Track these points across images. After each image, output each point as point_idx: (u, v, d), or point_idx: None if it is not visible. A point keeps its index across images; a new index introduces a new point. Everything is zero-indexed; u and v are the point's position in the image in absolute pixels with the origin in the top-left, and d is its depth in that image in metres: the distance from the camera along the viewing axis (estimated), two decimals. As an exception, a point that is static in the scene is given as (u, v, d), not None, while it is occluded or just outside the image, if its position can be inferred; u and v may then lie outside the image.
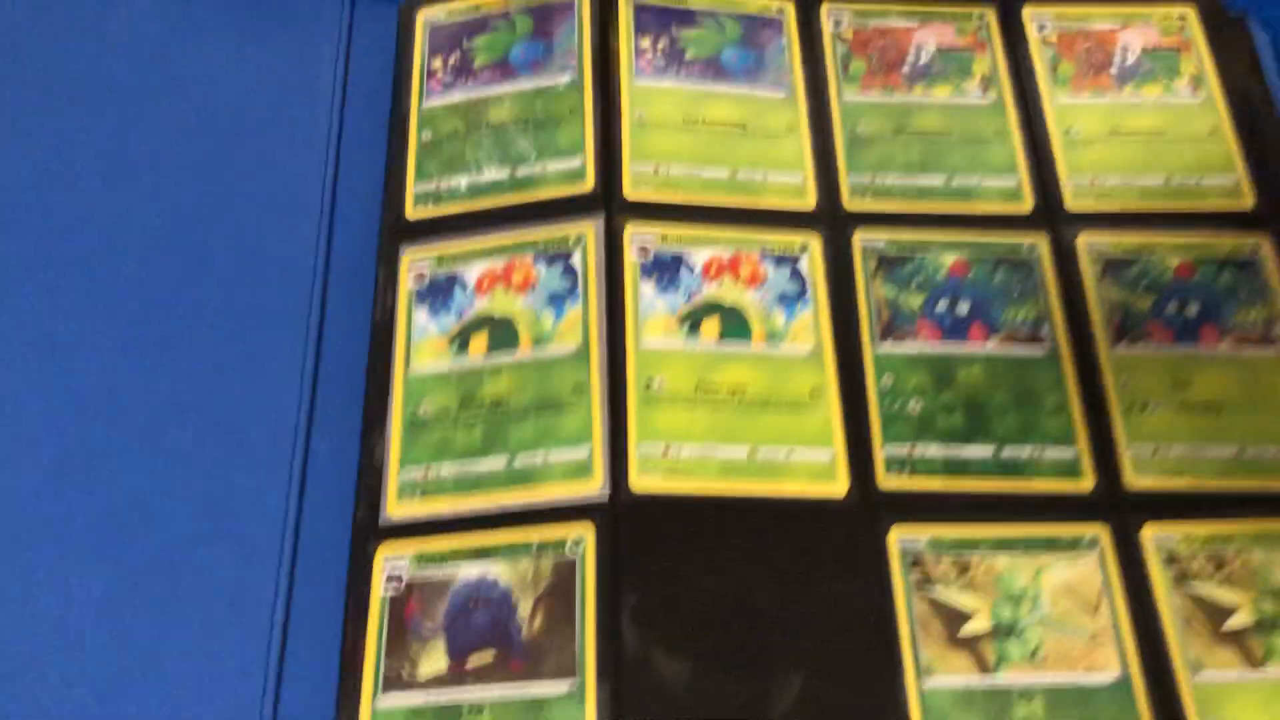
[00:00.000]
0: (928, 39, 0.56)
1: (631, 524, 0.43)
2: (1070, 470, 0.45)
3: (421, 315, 0.49)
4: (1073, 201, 0.52)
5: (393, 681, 0.41)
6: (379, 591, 0.43)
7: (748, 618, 0.42)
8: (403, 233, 0.50)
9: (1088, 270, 0.50)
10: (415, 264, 0.50)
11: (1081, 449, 0.46)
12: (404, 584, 0.43)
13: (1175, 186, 0.52)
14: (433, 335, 0.48)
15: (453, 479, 0.45)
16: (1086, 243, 0.51)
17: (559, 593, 0.42)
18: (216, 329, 0.49)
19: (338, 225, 0.52)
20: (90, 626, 0.43)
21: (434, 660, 0.42)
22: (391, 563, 0.44)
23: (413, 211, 0.51)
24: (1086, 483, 0.45)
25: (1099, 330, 0.48)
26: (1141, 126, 0.54)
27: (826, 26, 0.56)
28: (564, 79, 0.53)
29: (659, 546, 0.43)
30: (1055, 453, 0.46)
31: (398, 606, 0.43)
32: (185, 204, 0.52)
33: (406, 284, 0.49)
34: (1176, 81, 0.55)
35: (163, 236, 0.51)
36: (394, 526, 0.44)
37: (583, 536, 0.43)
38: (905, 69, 0.55)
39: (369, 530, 0.44)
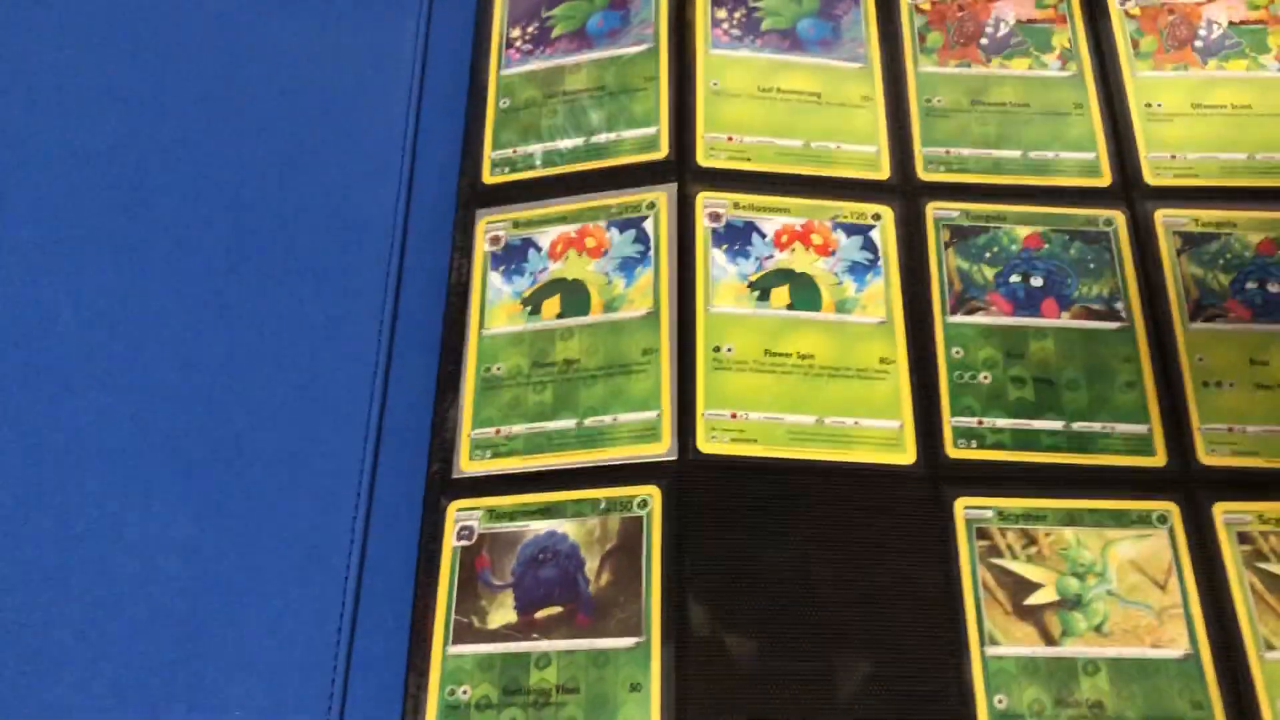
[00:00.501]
0: (1007, 11, 0.55)
1: (698, 485, 0.44)
2: (1142, 447, 0.45)
3: (496, 278, 0.49)
4: (1152, 176, 0.51)
5: (463, 631, 0.42)
6: (451, 544, 0.44)
7: (812, 582, 0.42)
8: (479, 197, 0.51)
9: (1165, 245, 0.49)
10: (491, 228, 0.51)
11: (1154, 425, 0.45)
12: (475, 537, 0.44)
13: (1260, 163, 0.51)
14: (507, 297, 0.49)
15: (523, 438, 0.46)
16: (1165, 218, 0.50)
17: (625, 551, 0.43)
18: (298, 288, 0.51)
19: (416, 190, 0.53)
20: (172, 572, 0.45)
21: (503, 612, 0.43)
22: (463, 517, 0.45)
23: (489, 177, 0.52)
24: (1158, 459, 0.45)
25: (1175, 306, 0.48)
26: (1226, 101, 0.53)
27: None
28: (640, 48, 0.53)
29: (725, 509, 0.43)
30: (1127, 428, 0.45)
31: (469, 558, 0.44)
32: (270, 167, 0.53)
33: (482, 247, 0.50)
34: (1264, 56, 0.54)
35: (249, 199, 0.53)
36: (466, 482, 0.45)
37: (649, 496, 0.44)
38: (983, 41, 0.54)
39: (442, 485, 0.45)
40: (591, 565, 0.43)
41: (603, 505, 0.44)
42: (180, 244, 0.52)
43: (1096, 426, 0.45)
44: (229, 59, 0.56)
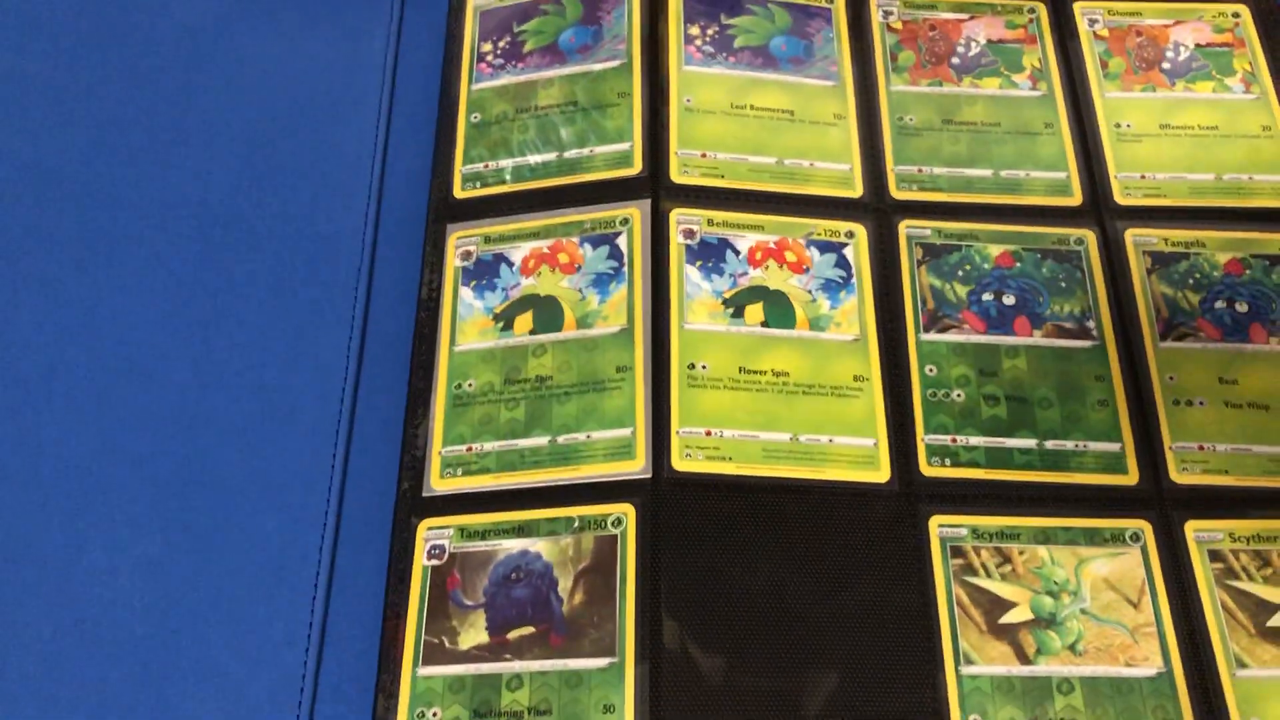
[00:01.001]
0: (977, 31, 0.56)
1: (673, 504, 0.43)
2: (1115, 465, 0.45)
3: (467, 293, 0.49)
4: (1122, 196, 0.51)
5: (433, 651, 0.42)
6: (421, 562, 0.43)
7: (786, 600, 0.42)
8: (450, 212, 0.51)
9: (1136, 265, 0.49)
10: (462, 243, 0.50)
11: (1126, 443, 0.46)
12: (445, 556, 0.43)
13: (1226, 183, 0.52)
14: (478, 313, 0.48)
15: (495, 455, 0.45)
16: (1135, 237, 0.50)
17: (599, 570, 0.42)
18: (266, 304, 0.50)
19: (386, 204, 0.53)
20: (141, 591, 0.44)
21: (474, 633, 0.42)
22: (433, 535, 0.44)
23: (460, 191, 0.51)
24: (1131, 478, 0.45)
25: (1146, 325, 0.48)
26: (1192, 123, 0.53)
27: (876, 17, 0.56)
28: (613, 64, 0.53)
29: (700, 527, 0.43)
30: (1099, 447, 0.45)
31: (439, 578, 0.43)
32: (239, 181, 0.53)
33: (453, 262, 0.50)
34: (1229, 79, 0.55)
35: (217, 212, 0.52)
36: (437, 500, 0.45)
37: (624, 514, 0.43)
38: (955, 60, 0.55)
39: (412, 503, 0.45)
40: (565, 585, 0.42)
41: (576, 524, 0.43)
42: (148, 258, 0.51)
43: (1069, 445, 0.45)
44: (199, 71, 0.56)
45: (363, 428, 0.48)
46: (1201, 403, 0.46)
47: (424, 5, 0.57)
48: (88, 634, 0.43)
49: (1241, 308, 0.49)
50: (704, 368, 0.46)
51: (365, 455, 0.47)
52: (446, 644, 0.42)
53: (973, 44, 0.55)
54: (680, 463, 0.44)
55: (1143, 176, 0.52)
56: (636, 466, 0.44)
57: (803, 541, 0.43)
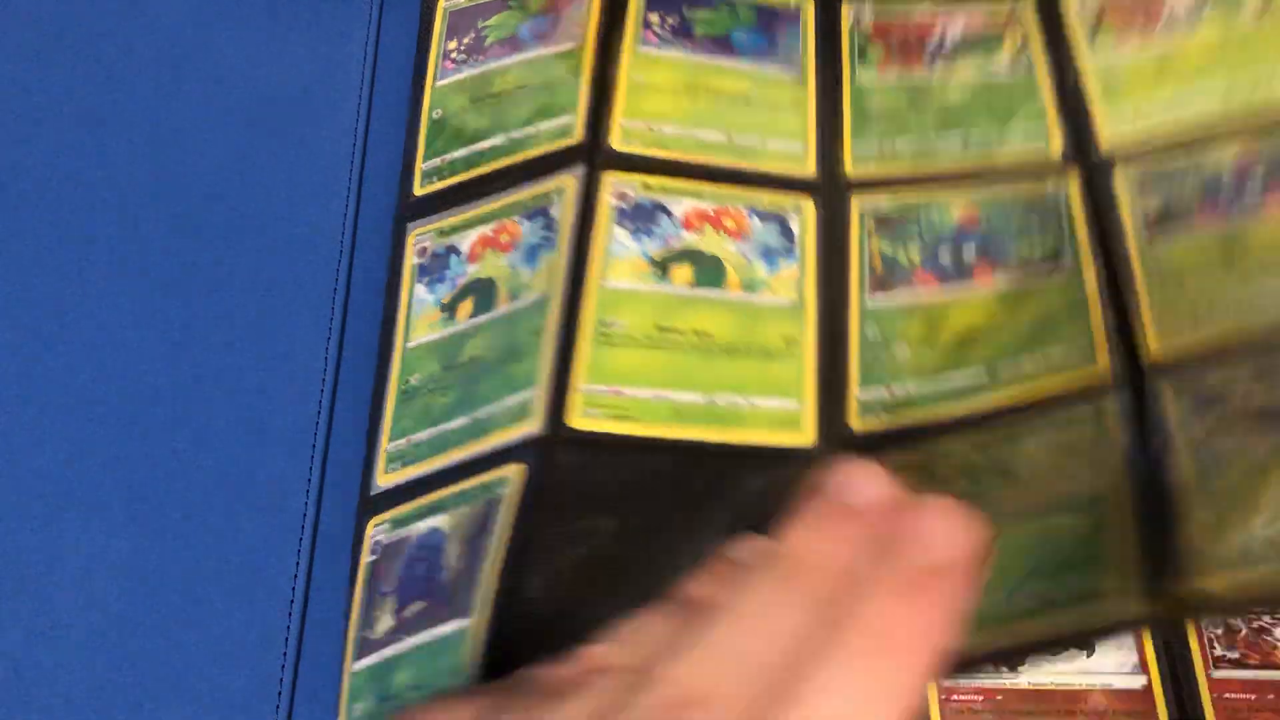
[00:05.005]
0: (953, 26, 0.52)
1: (564, 463, 0.40)
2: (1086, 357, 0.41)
3: (421, 289, 0.48)
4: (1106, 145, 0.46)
5: (361, 645, 0.40)
6: (365, 559, 0.42)
7: (672, 559, 0.38)
8: (409, 210, 0.50)
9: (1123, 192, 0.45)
10: (419, 240, 0.49)
11: (1097, 335, 0.41)
12: (381, 550, 0.42)
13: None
14: (429, 307, 0.47)
15: (428, 443, 0.44)
16: (1124, 173, 0.45)
17: (479, 534, 0.40)
18: (243, 303, 0.50)
19: (364, 204, 0.52)
20: (115, 590, 0.44)
21: (386, 619, 0.40)
22: (377, 532, 0.43)
23: (419, 188, 0.51)
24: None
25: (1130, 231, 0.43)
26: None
27: (846, 22, 0.53)
28: (567, 46, 0.52)
29: (589, 487, 0.40)
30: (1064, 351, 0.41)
31: (373, 573, 0.42)
32: (215, 181, 0.53)
33: (410, 260, 0.49)
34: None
35: (192, 211, 0.52)
36: (382, 496, 0.43)
37: (510, 476, 0.40)
38: (926, 54, 0.51)
39: (363, 502, 0.44)
40: (450, 553, 0.40)
41: (472, 492, 0.41)
42: (124, 258, 0.51)
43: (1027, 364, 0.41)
44: (177, 72, 0.56)
45: (340, 429, 0.47)
46: None
47: (402, 6, 0.58)
48: (62, 638, 0.43)
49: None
50: (618, 325, 0.43)
51: (342, 457, 0.46)
52: (369, 636, 0.40)
53: (948, 37, 0.51)
54: (579, 420, 0.41)
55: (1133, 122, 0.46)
56: (534, 427, 0.41)
57: (706, 506, 0.39)
